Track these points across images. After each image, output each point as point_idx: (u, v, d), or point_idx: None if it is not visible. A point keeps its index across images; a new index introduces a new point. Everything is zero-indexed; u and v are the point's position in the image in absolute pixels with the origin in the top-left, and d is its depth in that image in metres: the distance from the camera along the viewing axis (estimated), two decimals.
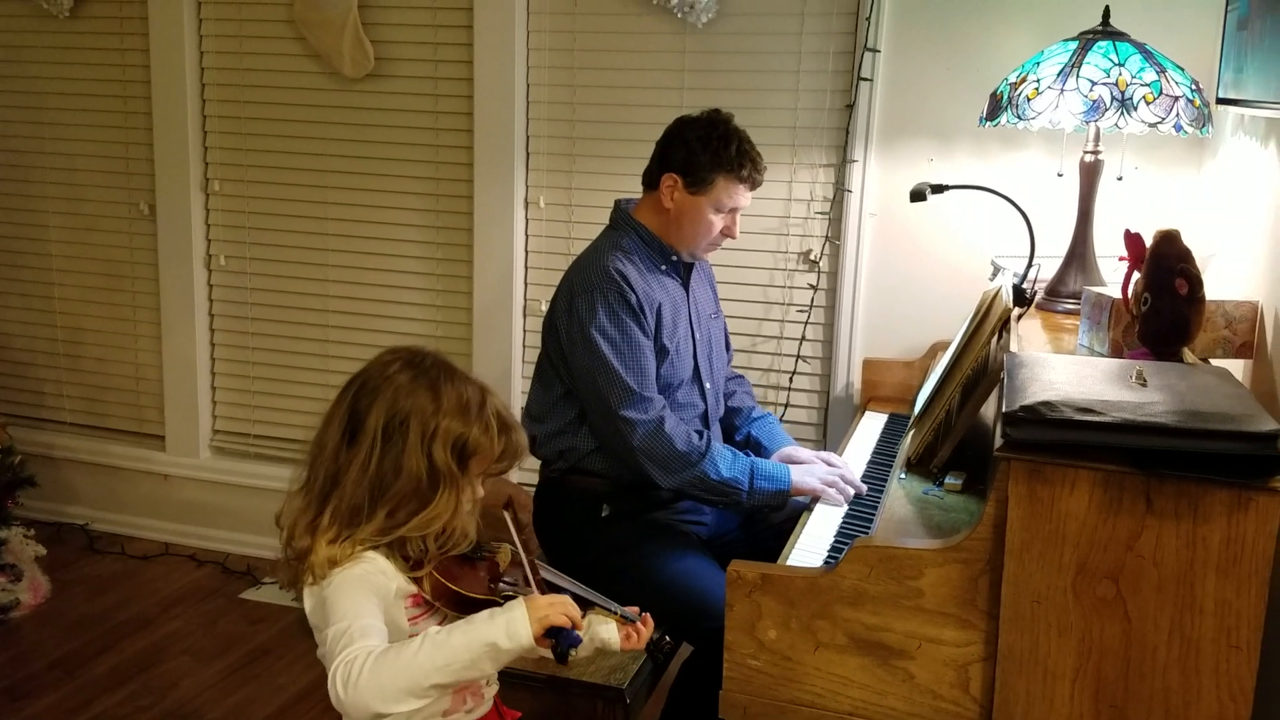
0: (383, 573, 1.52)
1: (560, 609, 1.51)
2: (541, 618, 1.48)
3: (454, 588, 1.55)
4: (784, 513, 2.35)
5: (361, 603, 1.48)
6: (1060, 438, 1.46)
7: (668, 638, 1.92)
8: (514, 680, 1.99)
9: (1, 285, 3.92)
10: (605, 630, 1.69)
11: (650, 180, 2.36)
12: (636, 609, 1.72)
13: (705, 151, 2.27)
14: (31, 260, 3.87)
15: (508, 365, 3.35)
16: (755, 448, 2.50)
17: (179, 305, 3.69)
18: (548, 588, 1.63)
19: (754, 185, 2.34)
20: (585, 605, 1.70)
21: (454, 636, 1.45)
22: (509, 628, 1.47)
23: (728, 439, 2.58)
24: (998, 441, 1.52)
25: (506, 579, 1.63)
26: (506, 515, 1.63)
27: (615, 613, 1.68)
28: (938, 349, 2.80)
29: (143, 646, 3.15)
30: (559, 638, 1.49)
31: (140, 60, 3.58)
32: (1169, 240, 1.79)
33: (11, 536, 3.35)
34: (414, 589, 1.55)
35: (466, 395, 1.57)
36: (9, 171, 3.83)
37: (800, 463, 2.34)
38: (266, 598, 3.42)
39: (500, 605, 1.57)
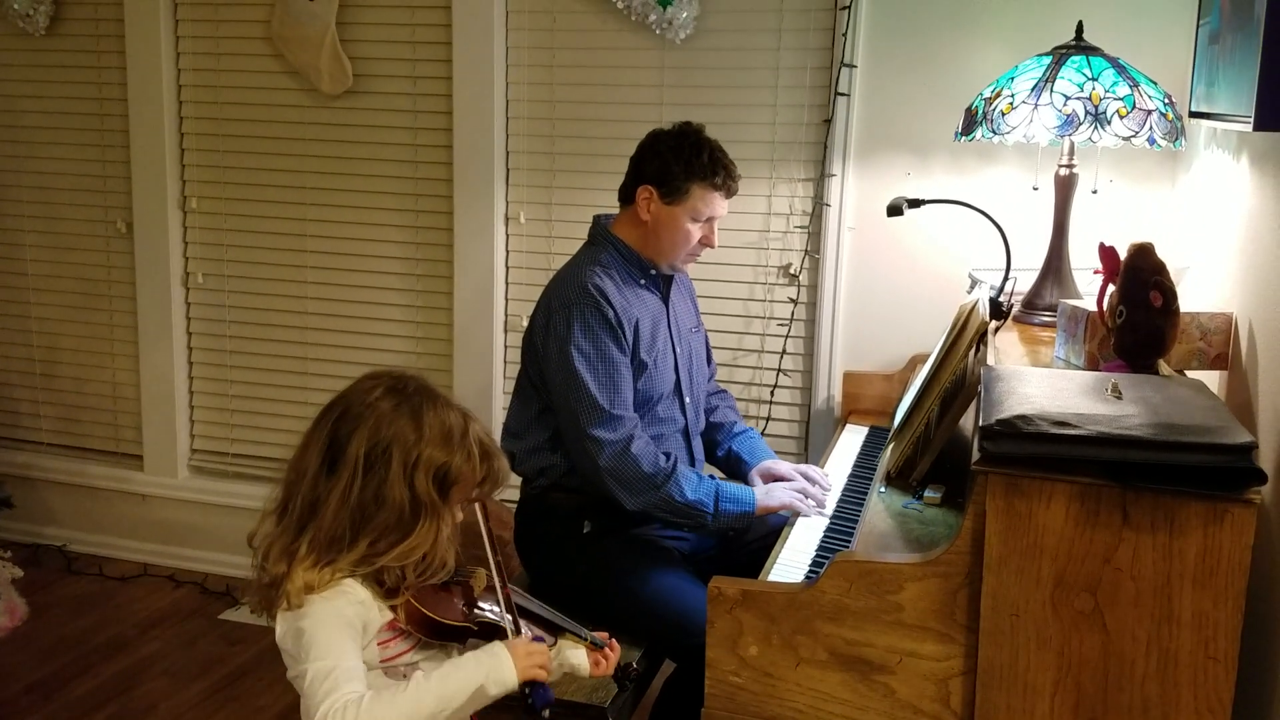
0: (360, 603, 1.51)
1: (539, 660, 1.54)
2: (524, 668, 1.51)
3: (430, 615, 1.53)
4: (765, 528, 2.35)
5: (344, 642, 1.47)
6: (1037, 451, 1.46)
7: (635, 664, 1.92)
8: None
9: None
10: (575, 656, 1.70)
11: (626, 195, 2.37)
12: (606, 634, 1.72)
13: (678, 162, 2.28)
14: (7, 279, 3.84)
15: (489, 381, 3.34)
16: (736, 462, 2.50)
17: (157, 324, 3.66)
18: (520, 612, 1.63)
19: (729, 193, 2.35)
20: (556, 630, 1.70)
21: (445, 684, 1.48)
22: (495, 674, 1.50)
23: (709, 454, 2.58)
24: (975, 455, 1.52)
25: (481, 604, 1.62)
26: (477, 510, 1.62)
27: (585, 639, 1.68)
28: (917, 361, 2.81)
29: (121, 668, 3.12)
30: (535, 692, 1.52)
31: (117, 78, 3.57)
32: (1143, 253, 1.80)
33: None
34: (390, 616, 1.53)
35: (449, 423, 1.55)
36: None
37: (780, 476, 2.35)
38: (246, 618, 3.39)
39: (475, 630, 1.57)
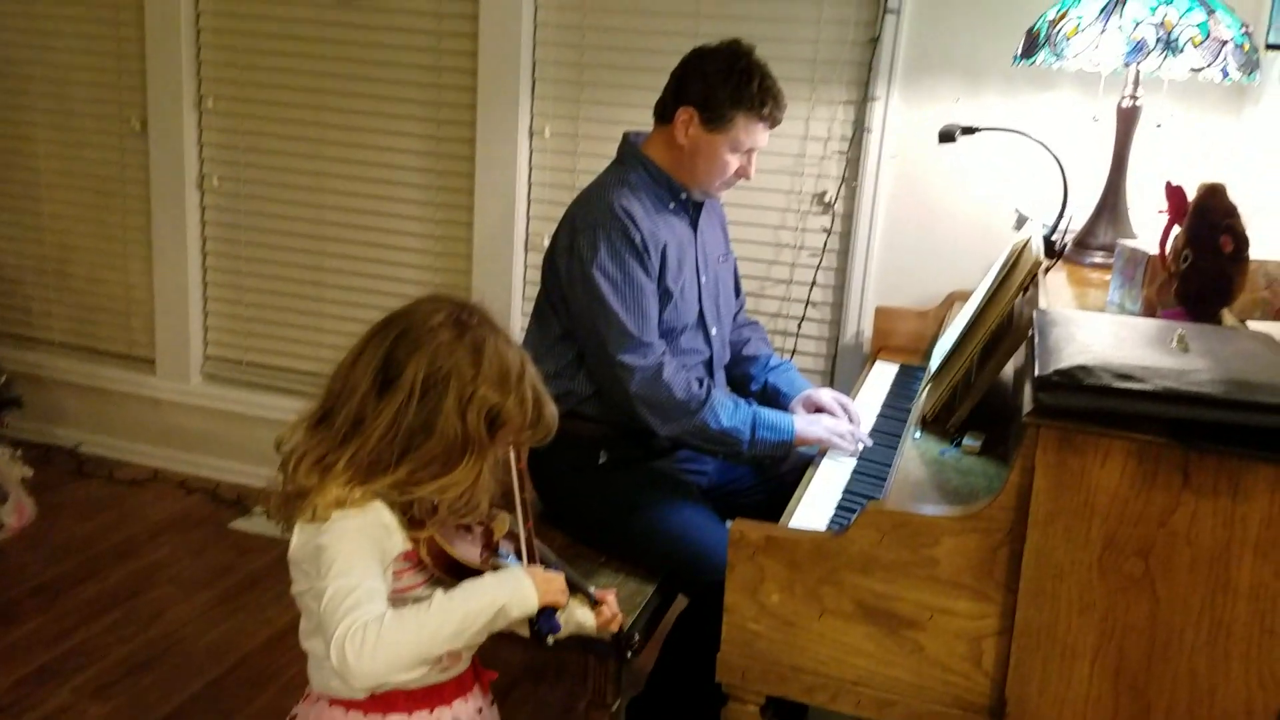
0: (385, 526, 1.46)
1: (558, 585, 1.52)
2: (544, 592, 1.49)
3: (452, 554, 1.49)
4: (789, 463, 2.27)
5: (368, 561, 1.43)
6: (1096, 405, 1.36)
7: (637, 636, 1.90)
8: (503, 633, 1.92)
9: None
10: (582, 614, 1.66)
11: (664, 113, 2.24)
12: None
13: (725, 86, 2.15)
14: (20, 174, 3.75)
15: (507, 302, 3.25)
16: (774, 396, 2.41)
17: (170, 227, 3.57)
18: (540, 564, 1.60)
19: (774, 124, 2.22)
20: (571, 589, 1.66)
21: (468, 603, 1.44)
22: (519, 595, 1.47)
23: (743, 389, 2.48)
24: (1027, 406, 1.43)
25: (500, 551, 1.58)
26: (511, 455, 1.56)
27: (590, 597, 1.63)
28: (954, 299, 2.70)
29: (128, 574, 3.09)
30: (544, 620, 1.50)
31: None
32: (1215, 194, 1.69)
33: None
34: (408, 547, 1.48)
35: (508, 363, 1.50)
36: None
37: (821, 406, 2.27)
38: (256, 528, 3.36)
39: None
